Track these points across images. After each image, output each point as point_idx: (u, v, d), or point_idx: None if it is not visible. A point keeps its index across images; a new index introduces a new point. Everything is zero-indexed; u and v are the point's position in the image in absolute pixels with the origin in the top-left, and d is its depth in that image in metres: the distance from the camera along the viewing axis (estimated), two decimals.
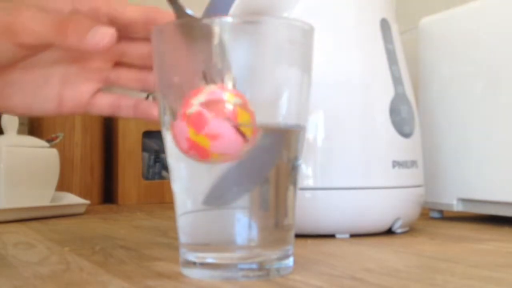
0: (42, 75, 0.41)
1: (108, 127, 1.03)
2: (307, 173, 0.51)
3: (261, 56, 0.36)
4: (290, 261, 0.36)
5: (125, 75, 0.43)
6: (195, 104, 0.32)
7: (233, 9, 0.52)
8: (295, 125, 0.36)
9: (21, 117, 0.80)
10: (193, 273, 0.35)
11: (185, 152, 0.33)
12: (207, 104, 0.32)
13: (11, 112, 0.42)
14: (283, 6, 0.53)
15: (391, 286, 0.32)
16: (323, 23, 0.51)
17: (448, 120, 0.65)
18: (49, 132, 0.95)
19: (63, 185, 0.89)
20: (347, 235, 0.52)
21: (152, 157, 1.03)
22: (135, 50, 0.41)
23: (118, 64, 0.43)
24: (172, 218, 0.37)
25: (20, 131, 0.78)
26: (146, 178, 1.01)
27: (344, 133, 0.52)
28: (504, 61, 0.59)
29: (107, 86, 0.43)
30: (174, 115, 0.34)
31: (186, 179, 0.36)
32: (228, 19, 0.34)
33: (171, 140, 0.36)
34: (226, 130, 0.32)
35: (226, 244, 0.35)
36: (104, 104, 0.42)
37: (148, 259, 0.41)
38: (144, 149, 1.01)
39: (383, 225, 0.53)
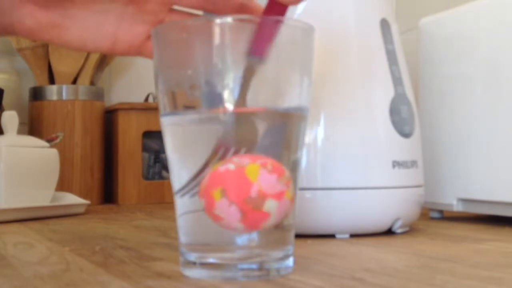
0: (99, 11, 0.41)
1: (108, 127, 1.02)
2: (307, 173, 0.51)
3: None
4: (290, 261, 0.36)
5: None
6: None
7: None
8: (296, 125, 0.36)
9: (21, 117, 0.80)
10: (193, 273, 0.35)
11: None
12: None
13: (66, 45, 0.42)
14: None
15: (391, 286, 0.32)
16: (323, 23, 0.50)
17: (448, 120, 0.65)
18: (49, 132, 0.95)
19: (63, 185, 0.89)
20: (347, 235, 0.52)
21: (152, 157, 1.03)
22: None
23: (172, 10, 0.43)
24: (172, 218, 0.37)
25: (20, 131, 0.78)
26: (146, 178, 1.01)
27: (344, 133, 0.52)
28: (504, 61, 0.59)
29: None
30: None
31: (186, 178, 0.36)
32: (228, 19, 0.34)
33: (171, 140, 0.36)
34: None
35: (226, 244, 0.35)
36: None
37: (148, 259, 0.41)
38: (144, 149, 1.01)
39: (383, 225, 0.53)
